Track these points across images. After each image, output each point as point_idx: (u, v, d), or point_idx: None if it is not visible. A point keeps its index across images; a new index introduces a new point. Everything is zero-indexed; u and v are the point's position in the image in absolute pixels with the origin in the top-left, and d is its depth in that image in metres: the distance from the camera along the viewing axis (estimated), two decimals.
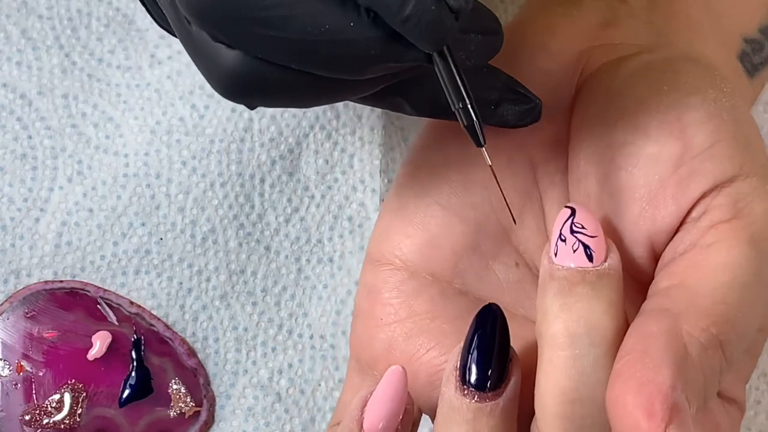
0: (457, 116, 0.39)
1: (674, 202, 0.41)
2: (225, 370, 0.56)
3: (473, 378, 0.40)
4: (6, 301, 0.55)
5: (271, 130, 0.58)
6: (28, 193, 0.56)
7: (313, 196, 0.57)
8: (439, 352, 0.44)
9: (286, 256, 0.57)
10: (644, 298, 0.41)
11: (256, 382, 0.56)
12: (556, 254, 0.40)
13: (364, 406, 0.42)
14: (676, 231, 0.42)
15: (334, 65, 0.38)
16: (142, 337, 0.55)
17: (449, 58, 0.39)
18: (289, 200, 0.57)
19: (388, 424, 0.42)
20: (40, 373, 0.54)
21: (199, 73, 0.57)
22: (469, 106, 0.39)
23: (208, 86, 0.58)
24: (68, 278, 0.56)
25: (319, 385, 0.56)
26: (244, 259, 0.57)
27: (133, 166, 0.57)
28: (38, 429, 0.53)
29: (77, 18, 0.58)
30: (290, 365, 0.56)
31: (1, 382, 0.54)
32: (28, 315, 0.54)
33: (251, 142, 0.57)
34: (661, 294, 0.40)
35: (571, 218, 0.40)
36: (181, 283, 0.56)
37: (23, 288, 0.55)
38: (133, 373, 0.54)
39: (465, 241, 0.44)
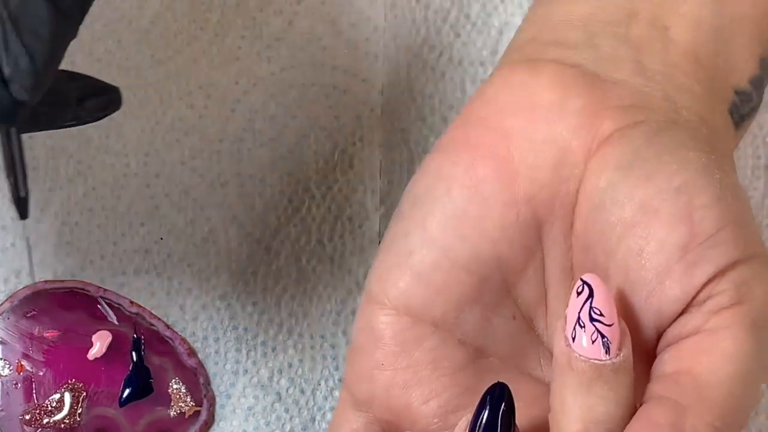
0: (10, 188, 0.46)
1: (680, 288, 0.42)
2: (225, 370, 0.56)
3: None
4: (6, 300, 0.55)
5: (271, 131, 0.58)
6: (30, 193, 0.56)
7: (313, 197, 0.58)
8: (437, 405, 0.44)
9: (286, 257, 0.57)
10: (644, 373, 0.42)
11: (257, 381, 0.56)
12: (574, 339, 0.40)
13: None
14: (681, 313, 0.42)
15: None
16: (143, 337, 0.55)
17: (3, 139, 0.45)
18: (290, 200, 0.57)
19: None
20: (41, 373, 0.54)
21: (199, 73, 0.58)
22: (19, 179, 0.46)
23: (207, 86, 0.58)
24: (68, 278, 0.56)
25: (319, 384, 0.56)
26: (244, 259, 0.57)
27: (133, 167, 0.57)
28: (38, 428, 0.53)
29: None
30: (290, 365, 0.56)
31: (2, 382, 0.54)
32: (29, 315, 0.55)
33: (251, 142, 0.58)
34: (668, 380, 0.41)
35: (590, 300, 0.40)
36: (181, 283, 0.56)
37: (24, 287, 0.55)
38: (134, 373, 0.54)
39: (469, 293, 0.44)
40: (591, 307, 0.40)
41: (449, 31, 0.60)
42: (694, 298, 0.42)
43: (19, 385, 0.54)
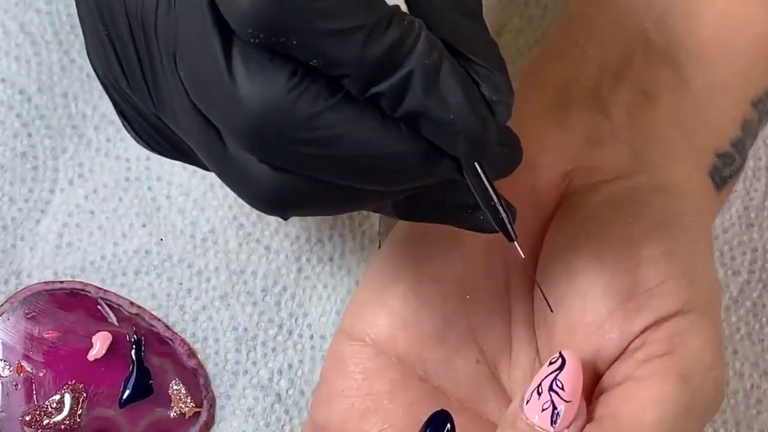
0: (489, 216, 0.41)
1: (619, 333, 0.43)
2: (225, 371, 0.56)
3: None
4: (6, 301, 0.55)
5: None
6: (29, 193, 0.56)
7: None
8: None
9: (286, 256, 0.57)
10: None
11: (256, 382, 0.56)
12: (527, 402, 0.42)
13: None
14: (617, 358, 0.44)
15: (378, 179, 0.38)
16: (143, 338, 0.55)
17: (480, 169, 0.40)
18: None
19: None
20: (41, 374, 0.54)
21: None
22: (499, 206, 0.40)
23: None
24: (68, 279, 0.56)
25: None
26: (244, 259, 0.57)
27: (134, 170, 0.57)
28: (38, 429, 0.53)
29: (76, 15, 0.58)
30: (290, 366, 0.56)
31: (2, 383, 0.54)
32: (29, 315, 0.55)
33: None
34: (594, 424, 0.43)
35: (557, 373, 0.42)
36: (181, 284, 0.56)
37: (24, 288, 0.55)
38: (134, 374, 0.54)
39: (432, 332, 0.46)
40: (555, 379, 0.42)
41: None
42: (630, 344, 0.43)
43: (20, 386, 0.54)
